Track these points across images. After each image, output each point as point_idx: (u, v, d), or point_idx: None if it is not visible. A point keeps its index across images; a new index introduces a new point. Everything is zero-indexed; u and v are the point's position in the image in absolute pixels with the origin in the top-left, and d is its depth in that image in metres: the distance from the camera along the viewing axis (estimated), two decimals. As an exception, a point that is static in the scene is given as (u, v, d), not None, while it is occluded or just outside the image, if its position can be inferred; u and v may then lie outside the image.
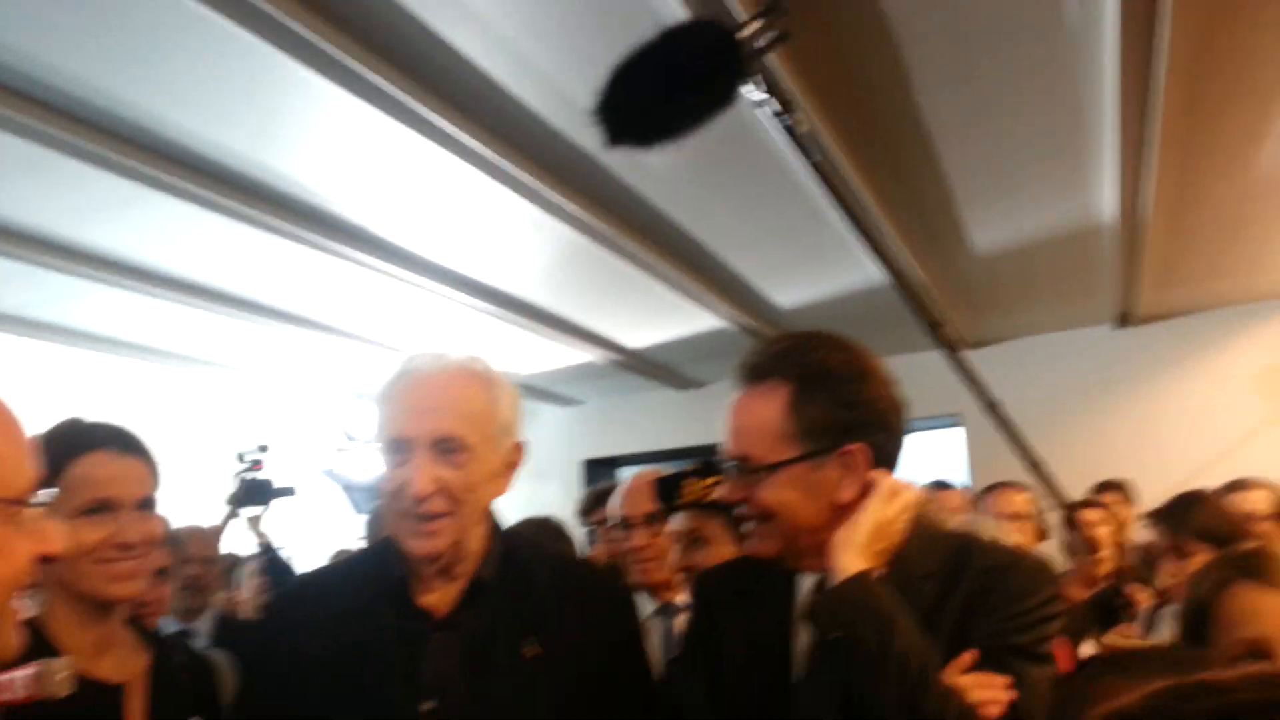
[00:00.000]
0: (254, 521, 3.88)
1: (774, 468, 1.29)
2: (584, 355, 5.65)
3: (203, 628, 3.31)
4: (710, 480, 1.87)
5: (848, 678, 1.22)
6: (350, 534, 4.78)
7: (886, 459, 1.33)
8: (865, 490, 1.30)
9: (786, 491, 1.29)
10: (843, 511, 1.29)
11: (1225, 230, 4.30)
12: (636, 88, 1.57)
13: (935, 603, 1.26)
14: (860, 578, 1.23)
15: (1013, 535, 3.13)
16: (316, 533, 5.38)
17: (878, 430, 1.32)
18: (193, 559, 3.40)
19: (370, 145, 2.92)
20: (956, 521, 2.18)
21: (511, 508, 3.69)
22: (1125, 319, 5.59)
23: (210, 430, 5.49)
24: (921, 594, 1.26)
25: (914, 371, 4.05)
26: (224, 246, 3.69)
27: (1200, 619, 1.47)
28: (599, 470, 7.15)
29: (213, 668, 1.61)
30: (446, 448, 1.37)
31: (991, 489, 3.39)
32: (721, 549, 1.85)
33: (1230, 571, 1.48)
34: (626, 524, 2.52)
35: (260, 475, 3.92)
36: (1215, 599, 1.46)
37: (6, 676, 1.00)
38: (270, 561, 3.68)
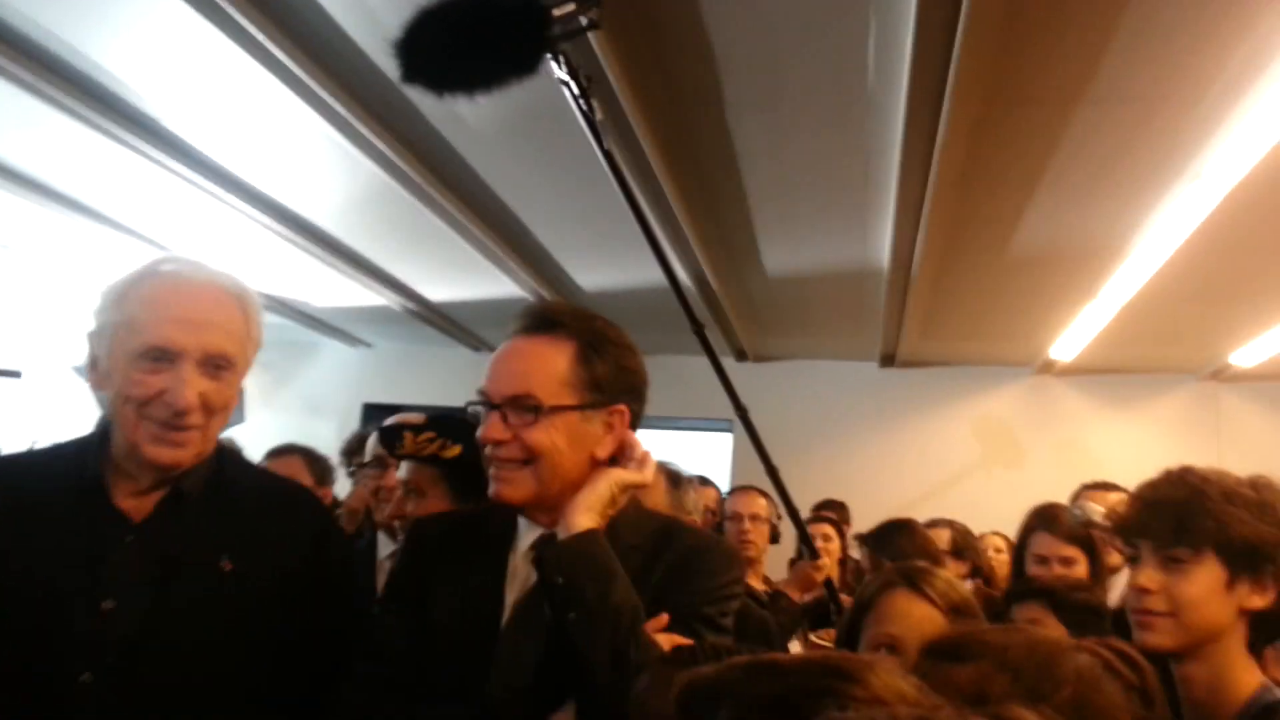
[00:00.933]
0: None
1: (555, 410, 1.36)
2: (378, 298, 5.56)
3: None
4: (427, 435, 1.93)
5: (557, 627, 1.32)
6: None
7: (634, 428, 1.47)
8: (618, 452, 1.43)
9: (558, 436, 1.36)
10: (594, 467, 1.41)
11: (981, 298, 4.79)
12: (440, 33, 1.61)
13: (638, 571, 1.38)
14: (591, 534, 1.34)
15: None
16: (51, 427, 5.02)
17: (637, 400, 1.46)
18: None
19: (183, 45, 2.78)
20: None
21: (284, 440, 3.61)
22: (888, 360, 6.09)
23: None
24: (627, 561, 1.37)
25: (699, 373, 4.34)
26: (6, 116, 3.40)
27: (860, 613, 1.70)
28: (379, 415, 7.01)
29: None
30: (216, 364, 1.39)
31: (737, 490, 3.65)
32: (435, 503, 1.91)
33: (895, 577, 1.71)
34: (380, 463, 2.58)
35: None
36: (876, 597, 1.69)
37: None
38: None
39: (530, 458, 1.38)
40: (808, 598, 3.49)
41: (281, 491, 1.61)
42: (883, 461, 6.14)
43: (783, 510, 3.23)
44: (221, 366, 1.40)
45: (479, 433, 1.42)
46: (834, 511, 4.61)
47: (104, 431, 1.44)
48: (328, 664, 1.48)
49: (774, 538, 3.58)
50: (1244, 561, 1.39)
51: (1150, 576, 1.42)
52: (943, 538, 3.66)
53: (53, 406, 5.33)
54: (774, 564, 4.05)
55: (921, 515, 3.98)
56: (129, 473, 1.40)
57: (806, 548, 3.48)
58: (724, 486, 4.63)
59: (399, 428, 1.96)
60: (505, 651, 1.38)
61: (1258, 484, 1.45)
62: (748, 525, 3.39)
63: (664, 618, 1.34)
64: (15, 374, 3.56)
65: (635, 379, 1.47)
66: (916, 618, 1.61)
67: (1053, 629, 2.14)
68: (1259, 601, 1.39)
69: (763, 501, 3.51)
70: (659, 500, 2.51)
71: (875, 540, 3.53)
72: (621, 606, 1.30)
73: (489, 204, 4.01)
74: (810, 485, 5.07)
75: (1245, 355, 5.45)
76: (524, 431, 1.37)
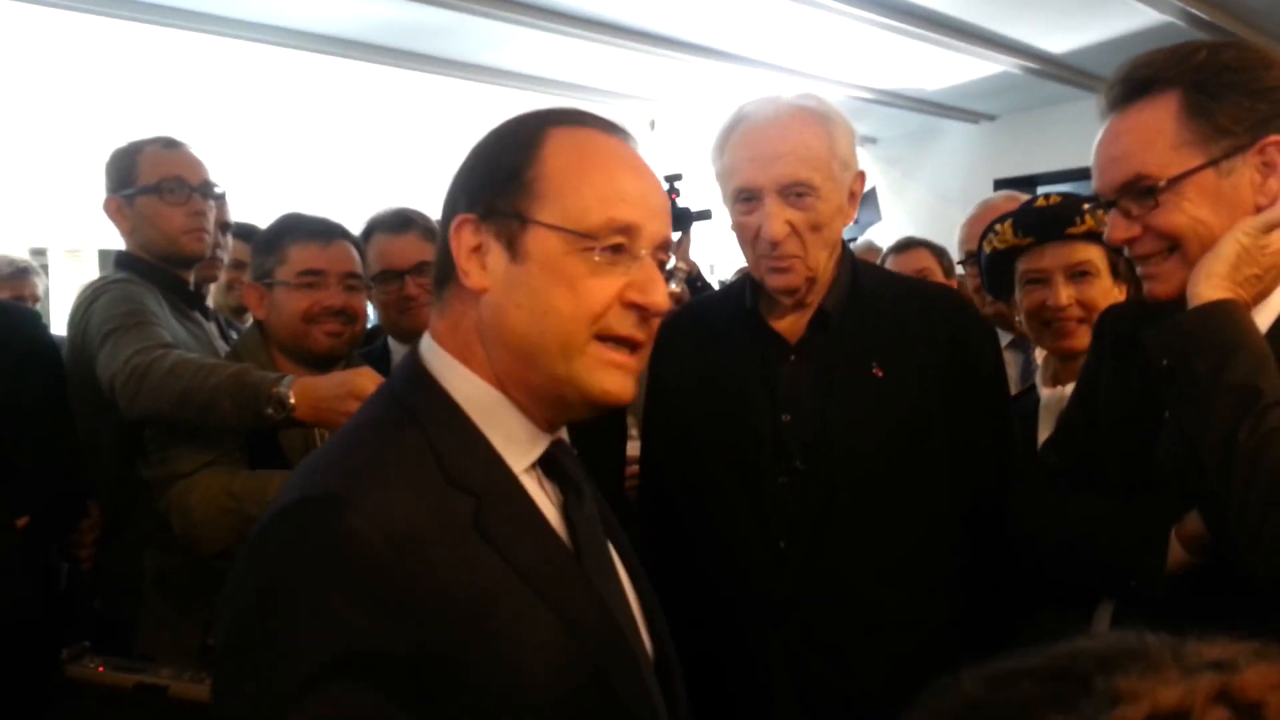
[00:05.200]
0: (676, 247, 4.13)
1: (1176, 181, 1.14)
2: (994, 66, 5.18)
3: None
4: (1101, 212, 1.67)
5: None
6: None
7: None
8: None
9: (1195, 208, 1.14)
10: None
11: None
12: None
13: None
14: (1209, 306, 1.10)
15: None
16: (733, 254, 5.73)
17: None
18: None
19: None
20: None
21: (916, 231, 3.66)
22: None
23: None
24: None
25: None
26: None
27: None
28: (1012, 190, 6.70)
29: None
30: (794, 192, 1.45)
31: None
32: (1106, 282, 1.72)
33: None
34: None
35: (676, 202, 4.08)
36: None
37: None
38: (694, 286, 3.95)
39: (1173, 244, 1.16)
40: None
41: (917, 294, 1.63)
42: None
43: None
44: (802, 193, 1.44)
45: (1106, 235, 1.24)
46: None
47: None
48: (992, 449, 1.49)
49: None
50: None
51: None
52: None
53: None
54: None
55: None
56: (775, 300, 1.54)
57: None
58: None
59: (1072, 203, 1.76)
60: (1166, 445, 1.23)
61: None
62: None
63: None
64: (707, 214, 4.01)
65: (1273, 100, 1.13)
66: None
67: None
68: None
69: None
70: None
71: None
72: (1242, 387, 1.05)
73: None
74: None
75: None
76: (1152, 219, 1.16)
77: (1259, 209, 1.14)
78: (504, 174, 0.89)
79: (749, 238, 1.50)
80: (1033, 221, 1.77)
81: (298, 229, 1.82)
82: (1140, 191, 1.17)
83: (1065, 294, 1.73)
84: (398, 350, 2.16)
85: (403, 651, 0.75)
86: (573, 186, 0.88)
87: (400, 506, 0.79)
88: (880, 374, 1.48)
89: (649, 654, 0.96)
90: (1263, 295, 1.16)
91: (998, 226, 1.82)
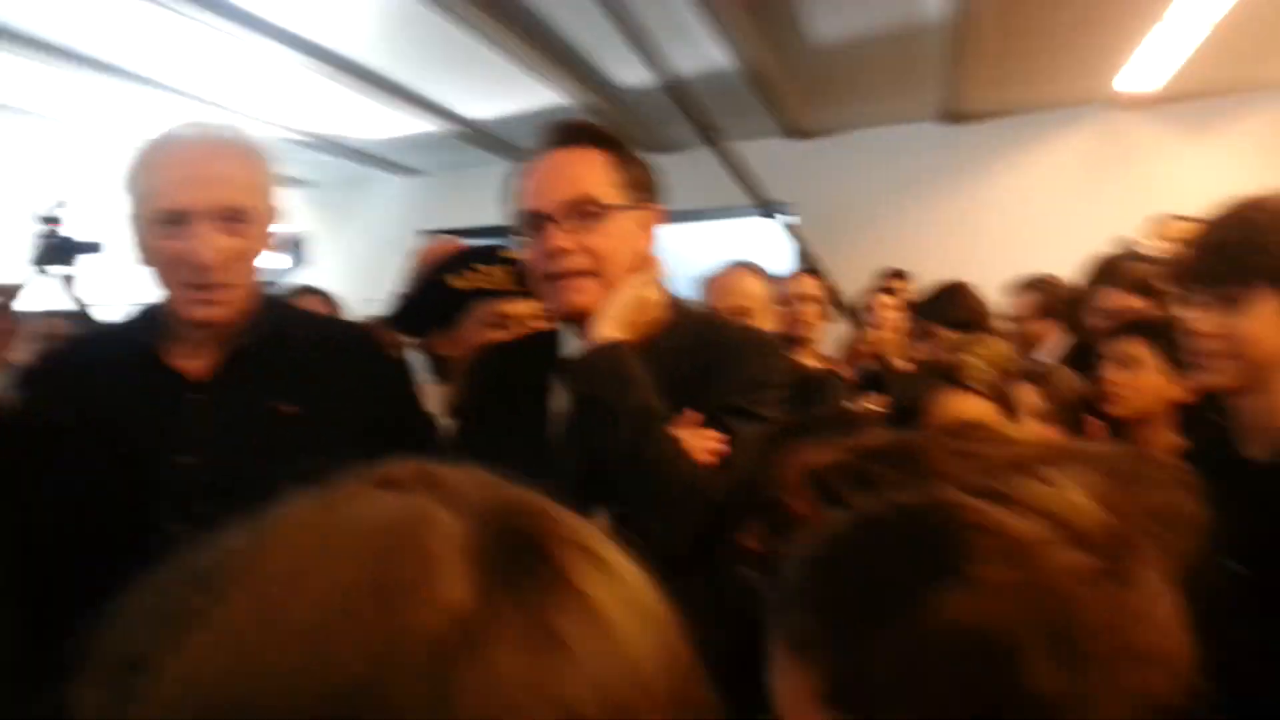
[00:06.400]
0: (67, 282, 3.66)
1: (613, 210, 1.39)
2: (423, 125, 5.47)
3: None
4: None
5: (586, 437, 1.38)
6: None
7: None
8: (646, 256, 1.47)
9: (619, 239, 1.40)
10: (638, 265, 1.45)
11: (1053, 33, 4.43)
12: None
13: (676, 372, 1.41)
14: (610, 344, 1.37)
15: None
16: (134, 286, 5.20)
17: (658, 197, 1.49)
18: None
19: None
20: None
21: (352, 278, 3.68)
22: (954, 115, 5.75)
23: (12, 182, 5.12)
24: (665, 365, 1.41)
25: (751, 157, 4.23)
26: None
27: (909, 418, 1.65)
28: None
29: None
30: (230, 218, 1.39)
31: (791, 275, 3.66)
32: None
33: (935, 380, 1.69)
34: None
35: (60, 233, 3.63)
36: (922, 402, 1.66)
37: None
38: (83, 321, 3.53)
39: (596, 264, 1.39)
40: (858, 368, 3.59)
41: (331, 331, 1.64)
42: (959, 225, 5.85)
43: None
44: (237, 219, 1.40)
45: (536, 249, 1.40)
46: (895, 280, 4.49)
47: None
48: None
49: (826, 315, 3.61)
50: None
51: (1204, 319, 1.37)
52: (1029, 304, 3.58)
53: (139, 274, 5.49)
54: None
55: (1000, 273, 3.93)
56: (183, 334, 1.45)
57: (849, 320, 3.54)
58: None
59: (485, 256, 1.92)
60: (558, 462, 1.42)
61: None
62: (796, 306, 3.41)
63: (690, 415, 1.38)
64: (94, 247, 3.55)
65: (655, 182, 1.49)
66: (973, 412, 1.60)
67: (1151, 364, 2.13)
68: None
69: (811, 281, 3.52)
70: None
71: (925, 307, 3.54)
72: (639, 409, 1.33)
73: (516, 10, 3.85)
74: (882, 256, 4.99)
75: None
76: (587, 238, 1.38)
77: (638, 255, 1.44)
78: None
79: (170, 263, 1.39)
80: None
81: None
82: (586, 212, 1.39)
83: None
84: None
85: None
86: None
87: None
88: (290, 411, 1.46)
89: None
90: (637, 336, 1.43)
91: (483, 268, 1.93)
